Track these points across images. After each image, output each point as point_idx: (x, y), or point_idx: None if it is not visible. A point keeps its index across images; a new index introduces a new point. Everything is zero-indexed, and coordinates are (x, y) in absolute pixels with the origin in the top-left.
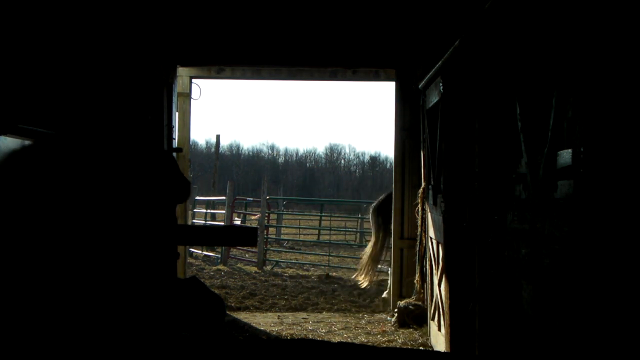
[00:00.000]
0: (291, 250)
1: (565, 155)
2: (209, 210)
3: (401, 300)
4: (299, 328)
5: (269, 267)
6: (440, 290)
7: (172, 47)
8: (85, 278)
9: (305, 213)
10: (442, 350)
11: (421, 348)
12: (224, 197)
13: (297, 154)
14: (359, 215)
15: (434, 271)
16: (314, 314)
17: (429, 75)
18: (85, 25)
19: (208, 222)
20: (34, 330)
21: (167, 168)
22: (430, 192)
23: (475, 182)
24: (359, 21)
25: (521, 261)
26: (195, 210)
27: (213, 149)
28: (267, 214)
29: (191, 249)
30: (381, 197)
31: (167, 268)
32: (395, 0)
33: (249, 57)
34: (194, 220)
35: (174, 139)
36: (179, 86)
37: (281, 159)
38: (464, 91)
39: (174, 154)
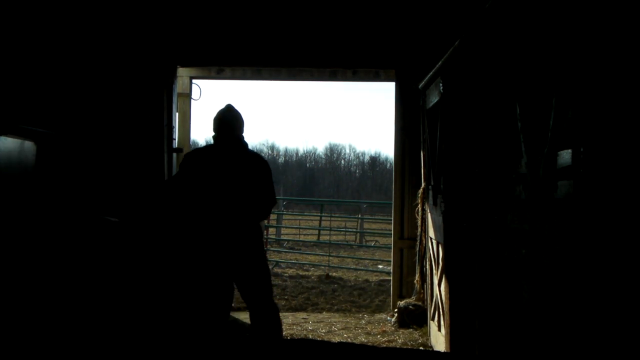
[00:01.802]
0: (291, 251)
1: (565, 156)
2: None
3: (401, 301)
4: (299, 328)
5: None
6: (440, 290)
7: (173, 47)
8: (82, 276)
9: (305, 213)
10: (442, 350)
11: (421, 348)
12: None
13: (297, 154)
14: (359, 216)
15: (434, 271)
16: (314, 314)
17: (429, 76)
18: (86, 26)
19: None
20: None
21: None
22: (430, 192)
23: (475, 182)
24: (359, 21)
25: (521, 261)
26: None
27: None
28: None
29: None
30: None
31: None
32: (396, 1)
33: (249, 57)
34: None
35: (174, 139)
36: (179, 86)
37: (281, 159)
38: (464, 91)
39: (174, 154)
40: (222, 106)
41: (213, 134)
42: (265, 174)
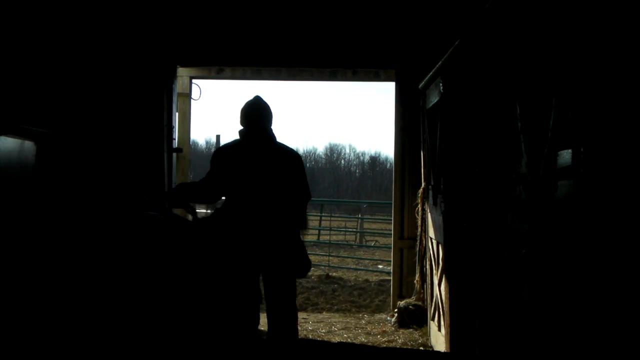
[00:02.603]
0: None
1: (565, 155)
2: (209, 211)
3: (401, 301)
4: (299, 328)
5: None
6: (440, 290)
7: (172, 47)
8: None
9: None
10: (442, 350)
11: (421, 348)
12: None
13: None
14: (359, 216)
15: (434, 271)
16: (314, 314)
17: (429, 76)
18: (86, 26)
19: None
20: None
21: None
22: (430, 192)
23: (475, 182)
24: (359, 21)
25: (521, 261)
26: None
27: (213, 149)
28: None
29: None
30: None
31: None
32: (396, 1)
33: (249, 57)
34: None
35: (174, 139)
36: (179, 86)
37: None
38: (464, 91)
39: (175, 154)
40: (250, 98)
41: (241, 127)
42: (298, 168)
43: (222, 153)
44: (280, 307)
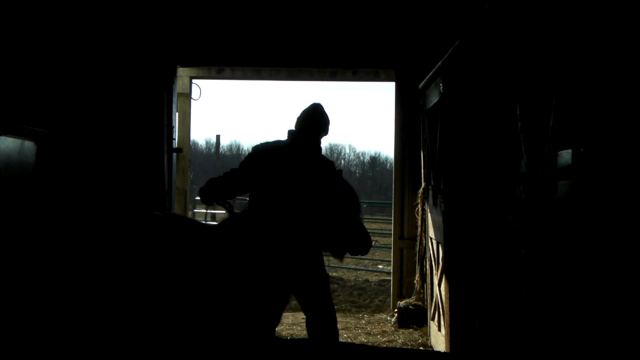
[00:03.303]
0: None
1: (565, 155)
2: (208, 211)
3: (401, 301)
4: (299, 328)
5: None
6: (440, 290)
7: (173, 47)
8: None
9: None
10: (442, 350)
11: (421, 348)
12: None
13: None
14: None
15: (434, 271)
16: None
17: (429, 76)
18: (86, 26)
19: (208, 223)
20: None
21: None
22: (430, 192)
23: (475, 182)
24: (359, 21)
25: (521, 261)
26: (195, 210)
27: (213, 149)
28: None
29: None
30: None
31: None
32: (396, 1)
33: (249, 57)
34: None
35: (174, 139)
36: (179, 86)
37: None
38: (464, 91)
39: (175, 154)
40: (310, 104)
41: (293, 129)
42: (335, 180)
43: (263, 152)
44: (318, 315)
